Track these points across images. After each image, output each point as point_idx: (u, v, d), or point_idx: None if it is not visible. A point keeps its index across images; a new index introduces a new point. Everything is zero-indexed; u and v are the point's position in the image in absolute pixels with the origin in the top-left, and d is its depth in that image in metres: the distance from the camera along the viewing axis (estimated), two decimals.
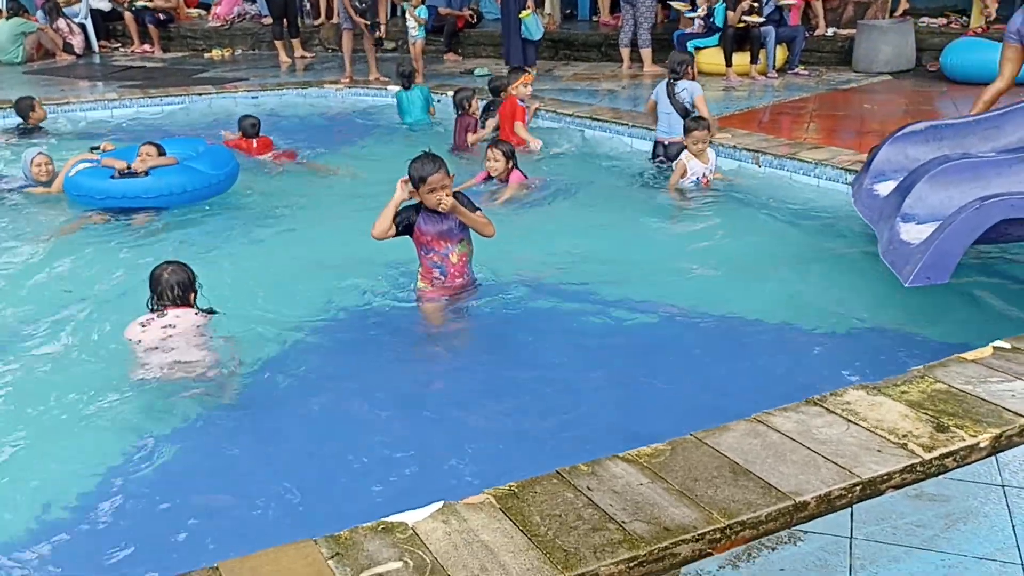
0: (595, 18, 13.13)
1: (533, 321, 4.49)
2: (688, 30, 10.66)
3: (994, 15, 10.62)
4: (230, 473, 3.30)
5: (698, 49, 10.38)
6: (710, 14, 10.32)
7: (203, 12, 14.89)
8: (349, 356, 4.20)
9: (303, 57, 12.29)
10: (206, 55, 13.14)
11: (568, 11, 13.48)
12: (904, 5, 11.26)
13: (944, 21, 11.30)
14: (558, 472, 2.68)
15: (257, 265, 5.35)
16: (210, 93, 10.05)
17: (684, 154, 6.45)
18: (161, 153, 6.47)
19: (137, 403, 3.70)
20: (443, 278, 4.46)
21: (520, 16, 10.36)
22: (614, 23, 12.19)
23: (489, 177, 6.55)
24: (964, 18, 11.20)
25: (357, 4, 10.23)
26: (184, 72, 11.73)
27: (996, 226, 4.02)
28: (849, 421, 2.91)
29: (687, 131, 6.45)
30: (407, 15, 10.55)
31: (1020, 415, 2.91)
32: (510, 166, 6.47)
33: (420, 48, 10.42)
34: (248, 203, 6.60)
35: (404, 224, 4.31)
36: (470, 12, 12.83)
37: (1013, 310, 4.29)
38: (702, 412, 3.41)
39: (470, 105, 7.91)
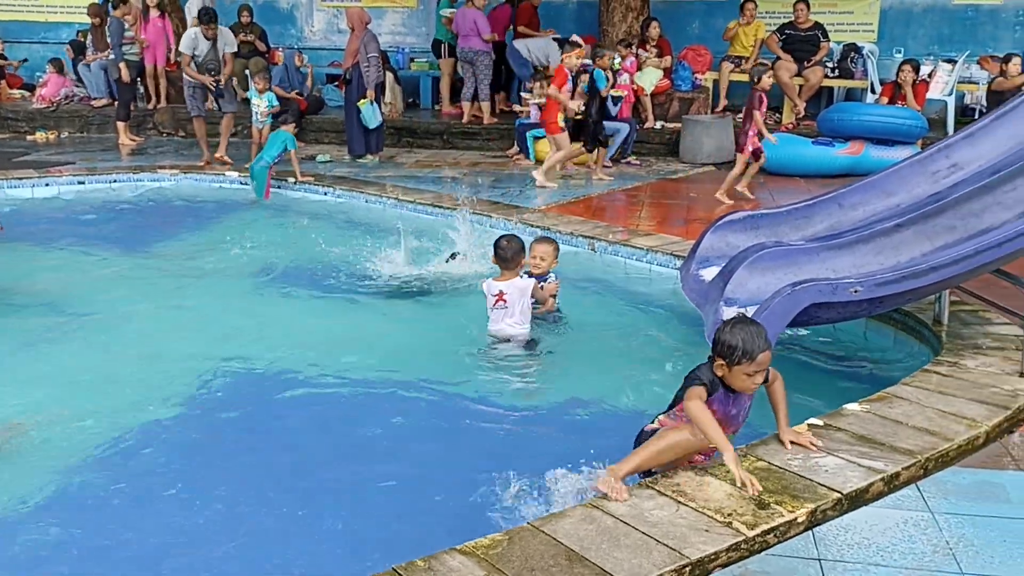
0: (437, 107, 13.42)
1: (356, 414, 4.43)
2: (528, 120, 11.06)
3: (803, 113, 11.60)
4: None
5: (537, 139, 10.79)
6: None
7: (27, 93, 14.23)
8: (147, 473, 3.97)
9: (133, 141, 11.95)
10: (29, 137, 12.51)
11: (411, 100, 13.72)
12: (724, 102, 12.12)
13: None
14: (394, 570, 2.62)
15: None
16: (32, 177, 9.54)
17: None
18: None
19: None
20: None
21: (357, 104, 10.46)
22: (455, 112, 12.54)
23: None
24: (777, 115, 12.14)
25: (211, 87, 10.14)
26: (3, 155, 11.10)
27: (807, 310, 4.31)
28: (679, 502, 3.00)
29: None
30: (253, 102, 10.42)
31: (833, 490, 3.09)
32: None
33: (267, 133, 10.31)
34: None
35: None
36: (311, 94, 12.87)
37: (825, 389, 4.58)
38: (539, 498, 3.43)
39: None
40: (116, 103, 12.23)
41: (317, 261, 7.06)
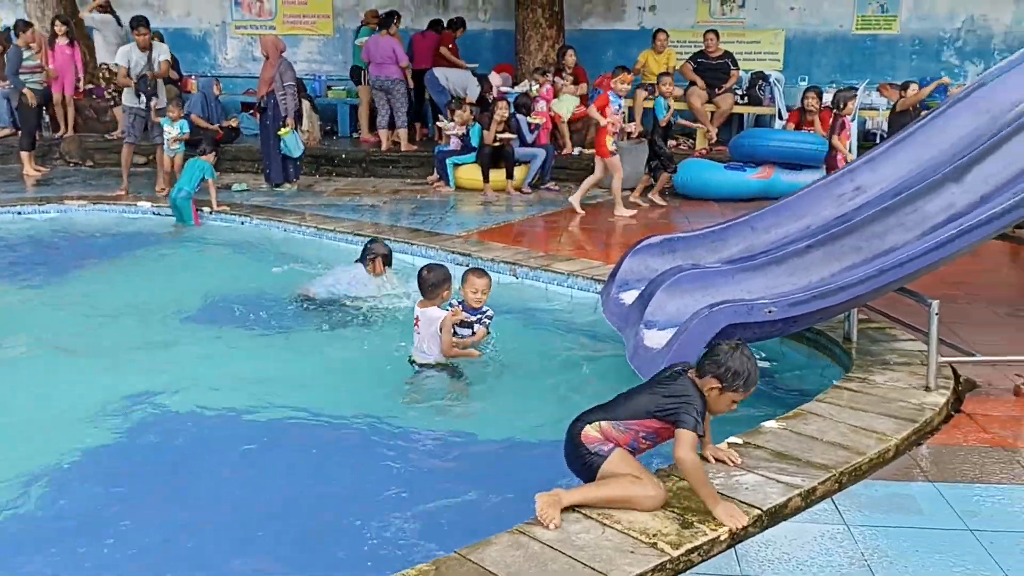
0: (355, 134, 13.38)
1: (279, 449, 4.36)
2: (447, 147, 11.10)
3: (715, 138, 11.91)
4: None
5: (456, 166, 10.84)
6: (467, 133, 10.83)
7: None
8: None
9: (38, 171, 11.56)
10: None
11: (328, 127, 13.63)
12: (639, 127, 12.35)
13: (674, 143, 12.48)
14: None
15: None
16: None
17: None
18: None
19: None
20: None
21: (279, 133, 10.35)
22: (374, 140, 12.52)
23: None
24: (691, 140, 12.46)
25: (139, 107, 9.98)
26: None
27: (724, 330, 4.41)
28: (605, 525, 3.03)
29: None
30: (165, 129, 10.19)
31: (753, 506, 3.16)
32: None
33: (179, 162, 10.10)
34: None
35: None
36: (228, 124, 12.66)
37: (744, 407, 4.67)
38: (465, 527, 3.42)
39: None
40: (19, 132, 11.85)
41: (235, 293, 6.93)
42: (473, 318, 5.38)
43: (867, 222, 4.90)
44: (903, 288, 4.63)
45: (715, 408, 3.28)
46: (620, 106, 9.66)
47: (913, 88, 10.86)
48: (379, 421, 4.62)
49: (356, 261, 6.78)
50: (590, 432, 3.28)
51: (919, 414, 3.97)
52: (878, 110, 12.08)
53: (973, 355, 4.56)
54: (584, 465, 3.28)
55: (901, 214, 4.85)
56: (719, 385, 3.20)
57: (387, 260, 6.73)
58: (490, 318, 5.51)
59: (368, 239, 7.17)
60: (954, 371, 4.53)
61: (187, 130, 10.27)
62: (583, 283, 6.66)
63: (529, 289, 6.95)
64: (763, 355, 5.35)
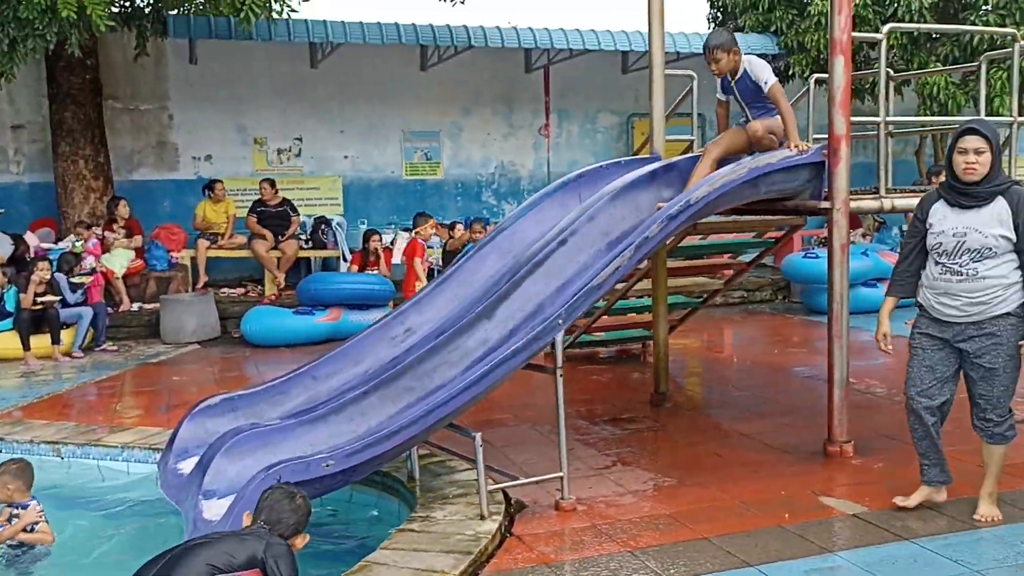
0: None
1: None
2: None
3: (283, 283, 11.95)
4: None
5: None
6: (1, 297, 9.67)
7: None
8: None
9: None
10: None
11: None
12: (204, 278, 12.00)
13: (242, 290, 12.31)
14: None
15: None
16: None
17: None
18: None
19: None
20: None
21: None
22: None
23: None
24: (260, 287, 12.36)
25: None
26: None
27: None
28: None
29: None
30: None
31: None
32: None
33: None
34: None
35: None
36: None
37: (311, 565, 4.57)
38: None
39: None
40: None
41: None
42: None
43: (416, 362, 5.13)
44: (451, 424, 4.89)
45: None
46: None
47: (459, 229, 11.94)
48: None
49: None
50: None
51: (475, 544, 4.16)
52: (434, 248, 13.04)
53: (517, 478, 4.93)
54: None
55: (445, 352, 5.15)
56: (298, 534, 3.43)
57: None
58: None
59: None
60: (505, 495, 4.84)
61: None
62: (140, 455, 6.14)
63: (79, 469, 6.24)
64: (331, 509, 5.32)
